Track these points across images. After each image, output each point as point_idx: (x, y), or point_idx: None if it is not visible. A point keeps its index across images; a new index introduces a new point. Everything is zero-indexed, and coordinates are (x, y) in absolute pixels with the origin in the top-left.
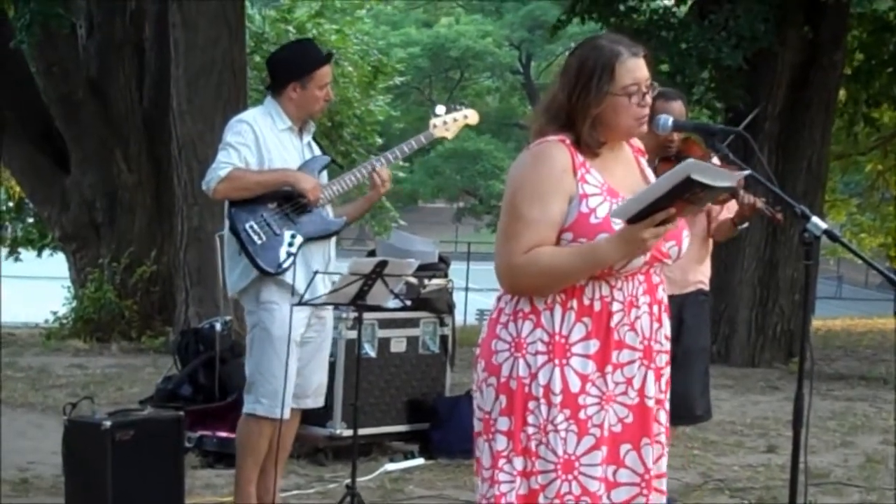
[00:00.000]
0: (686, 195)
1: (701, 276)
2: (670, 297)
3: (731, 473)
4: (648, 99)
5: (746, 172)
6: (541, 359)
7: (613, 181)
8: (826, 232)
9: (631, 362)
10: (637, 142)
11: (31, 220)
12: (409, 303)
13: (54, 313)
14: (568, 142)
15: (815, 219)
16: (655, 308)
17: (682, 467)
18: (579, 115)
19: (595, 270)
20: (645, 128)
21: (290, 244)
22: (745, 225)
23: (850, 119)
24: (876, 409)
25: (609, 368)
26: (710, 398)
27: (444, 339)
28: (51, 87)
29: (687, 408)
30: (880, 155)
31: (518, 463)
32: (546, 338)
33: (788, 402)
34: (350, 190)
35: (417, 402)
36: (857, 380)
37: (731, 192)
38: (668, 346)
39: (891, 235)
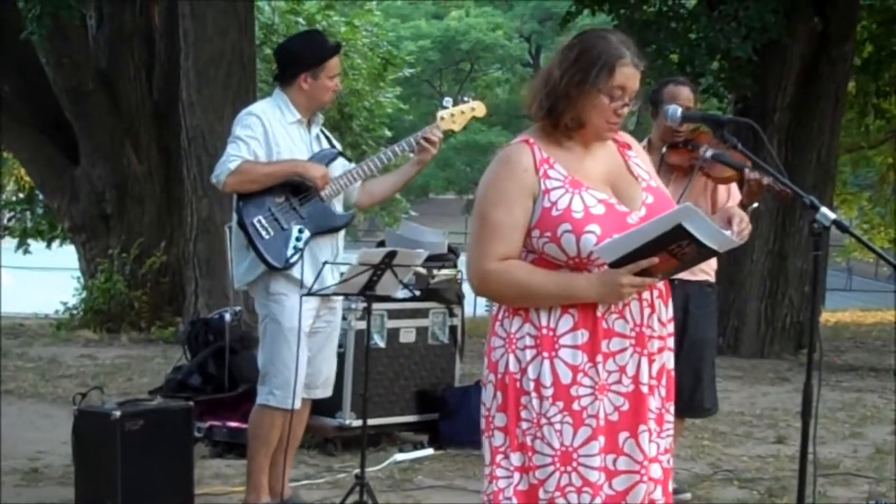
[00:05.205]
0: (672, 246)
1: (706, 266)
2: (679, 283)
3: (741, 464)
4: (625, 111)
5: (737, 242)
6: (529, 353)
7: (579, 174)
8: (835, 222)
9: (622, 350)
10: (625, 136)
11: (40, 211)
12: (418, 293)
13: (64, 304)
14: (531, 140)
15: (823, 209)
16: (647, 294)
17: (692, 458)
18: (562, 97)
19: (567, 302)
20: (611, 133)
21: (298, 239)
22: (756, 205)
23: (860, 110)
24: (885, 401)
25: (600, 358)
26: (716, 390)
27: (453, 329)
28: (61, 79)
29: (694, 400)
30: (891, 147)
31: (515, 458)
32: (534, 332)
33: (797, 393)
34: (356, 182)
35: (427, 393)
36: (866, 371)
37: (738, 173)
38: (662, 330)
39: None
